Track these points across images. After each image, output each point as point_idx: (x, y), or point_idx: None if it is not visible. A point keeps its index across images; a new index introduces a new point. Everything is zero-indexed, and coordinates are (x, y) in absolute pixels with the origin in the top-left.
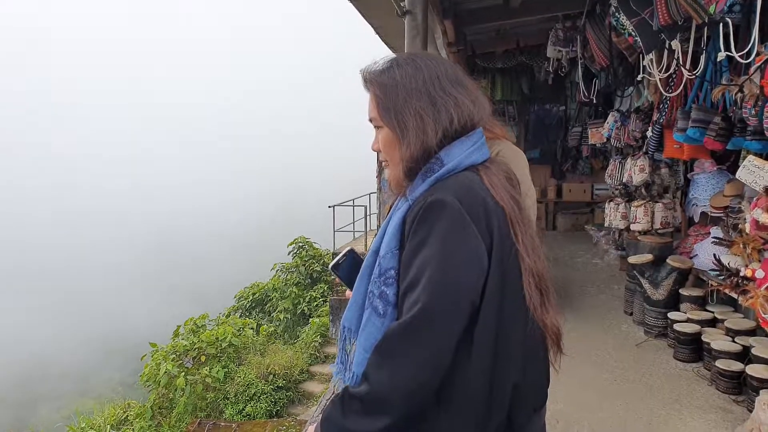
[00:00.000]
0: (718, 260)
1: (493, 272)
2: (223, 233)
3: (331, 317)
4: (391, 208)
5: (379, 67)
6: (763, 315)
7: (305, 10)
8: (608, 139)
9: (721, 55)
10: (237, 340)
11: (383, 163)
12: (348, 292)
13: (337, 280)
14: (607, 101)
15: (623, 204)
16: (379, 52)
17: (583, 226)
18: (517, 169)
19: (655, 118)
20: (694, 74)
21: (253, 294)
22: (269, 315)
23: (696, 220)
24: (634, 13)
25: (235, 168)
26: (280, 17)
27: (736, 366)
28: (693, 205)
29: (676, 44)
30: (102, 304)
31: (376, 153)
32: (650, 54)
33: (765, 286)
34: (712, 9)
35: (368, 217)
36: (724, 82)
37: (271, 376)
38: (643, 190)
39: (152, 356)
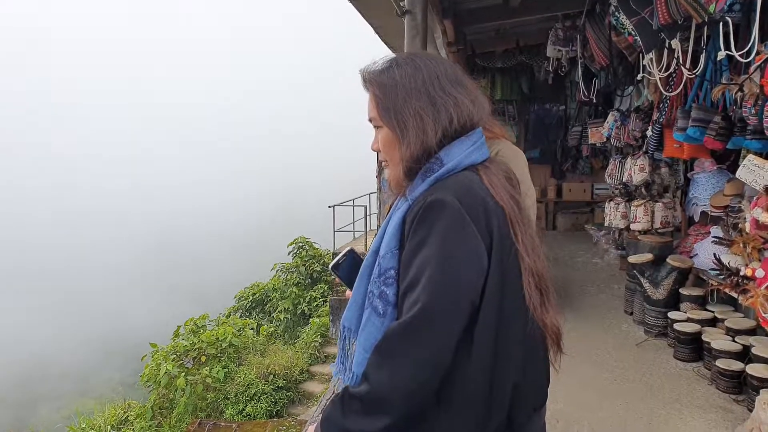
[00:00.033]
0: (718, 260)
1: (492, 272)
2: (223, 233)
3: (331, 317)
4: (390, 207)
5: (378, 67)
6: (763, 314)
7: (305, 10)
8: (608, 138)
9: (721, 54)
10: (237, 340)
11: (383, 163)
12: (348, 292)
13: (337, 280)
14: (607, 101)
15: (623, 203)
16: (379, 52)
17: (583, 225)
18: (517, 169)
19: (655, 117)
20: (694, 73)
21: (253, 294)
22: (269, 315)
23: (696, 219)
24: (633, 12)
25: (235, 168)
26: (280, 17)
27: (736, 365)
28: (693, 204)
29: (676, 43)
30: (102, 304)
31: (375, 153)
32: (650, 53)
33: (765, 285)
34: (711, 8)
35: (368, 217)
36: (724, 81)
37: (272, 376)
38: (643, 190)
39: (152, 356)
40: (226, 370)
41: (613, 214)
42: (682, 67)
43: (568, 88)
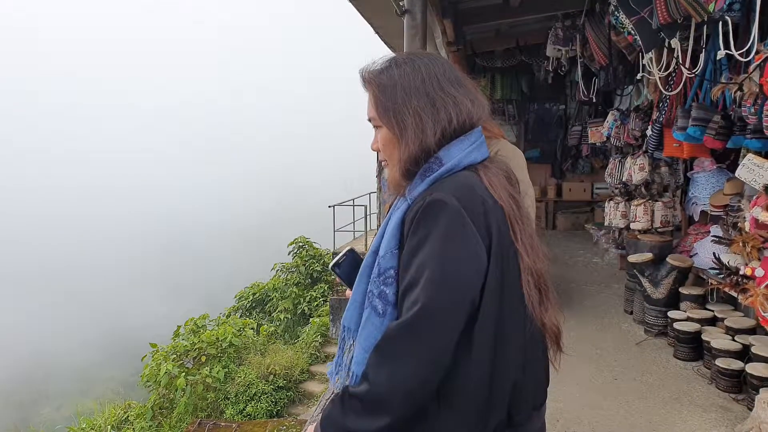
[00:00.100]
0: (718, 259)
1: (492, 271)
2: (223, 233)
3: (331, 317)
4: (390, 207)
5: (377, 66)
6: (762, 313)
7: (293, 10)
8: (608, 138)
9: (721, 54)
10: (237, 340)
11: (383, 163)
12: (348, 292)
13: (338, 279)
14: (607, 100)
15: (623, 203)
16: (376, 50)
17: (583, 225)
18: (516, 169)
19: (654, 116)
20: (694, 73)
21: (254, 294)
22: (269, 315)
23: (696, 218)
24: (633, 11)
25: (235, 168)
26: (267, 17)
27: (736, 364)
28: (693, 203)
29: (675, 43)
30: (102, 304)
31: (375, 153)
32: (650, 53)
33: (765, 284)
34: (711, 7)
35: (368, 216)
36: (723, 80)
37: (272, 376)
38: (642, 189)
39: (153, 356)
40: (227, 370)
41: (613, 213)
42: (682, 67)
43: (568, 87)
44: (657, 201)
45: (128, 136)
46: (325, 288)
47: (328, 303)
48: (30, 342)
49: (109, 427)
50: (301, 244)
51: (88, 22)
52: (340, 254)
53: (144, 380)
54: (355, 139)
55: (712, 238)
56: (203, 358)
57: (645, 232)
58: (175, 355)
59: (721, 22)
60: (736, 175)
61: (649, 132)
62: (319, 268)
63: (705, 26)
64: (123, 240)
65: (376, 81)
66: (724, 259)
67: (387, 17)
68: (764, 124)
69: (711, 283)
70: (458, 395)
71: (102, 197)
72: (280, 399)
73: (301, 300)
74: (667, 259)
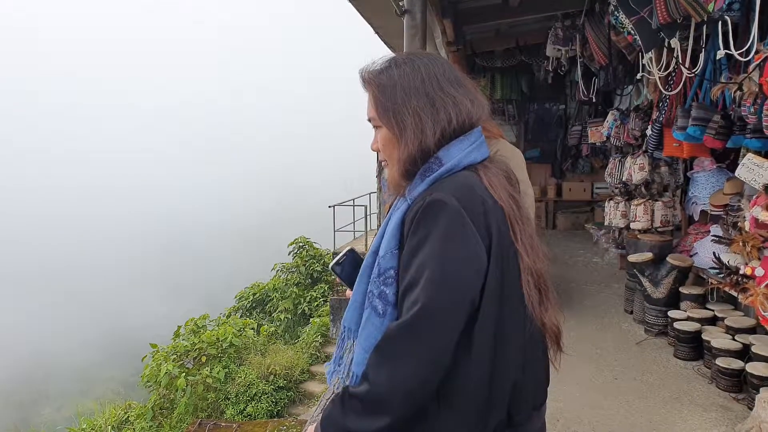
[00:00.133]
0: (718, 258)
1: (492, 271)
2: (223, 233)
3: (331, 317)
4: (390, 207)
5: (377, 67)
6: (762, 313)
7: (293, 10)
8: (608, 137)
9: (721, 53)
10: (238, 340)
11: (383, 163)
12: (348, 292)
13: (338, 279)
14: (607, 100)
15: (623, 202)
16: (374, 50)
17: (583, 224)
18: (515, 169)
19: (654, 116)
20: (694, 72)
21: (254, 294)
22: (270, 315)
23: (696, 218)
24: (633, 11)
25: (235, 168)
26: (267, 17)
27: (736, 364)
28: (693, 203)
29: (675, 42)
30: (102, 304)
31: (375, 153)
32: (649, 52)
33: (765, 284)
34: (711, 7)
35: (368, 217)
36: (723, 80)
37: (272, 376)
38: (642, 189)
39: (153, 357)
40: (227, 370)
41: (612, 213)
42: (682, 66)
43: (568, 87)
44: (657, 201)
45: (128, 136)
46: (326, 288)
47: (328, 303)
48: (30, 342)
49: (109, 427)
50: (301, 244)
51: (88, 22)
52: (341, 254)
53: (144, 380)
54: (355, 139)
55: (712, 237)
56: (203, 359)
57: (645, 231)
58: (175, 356)
59: (720, 22)
60: (736, 174)
61: (649, 132)
62: (319, 269)
63: (705, 26)
64: (123, 240)
65: (376, 81)
66: (724, 258)
67: (387, 17)
68: (764, 123)
69: (711, 283)
70: (458, 395)
71: (102, 197)
72: (281, 399)
73: (302, 300)
74: (667, 259)
